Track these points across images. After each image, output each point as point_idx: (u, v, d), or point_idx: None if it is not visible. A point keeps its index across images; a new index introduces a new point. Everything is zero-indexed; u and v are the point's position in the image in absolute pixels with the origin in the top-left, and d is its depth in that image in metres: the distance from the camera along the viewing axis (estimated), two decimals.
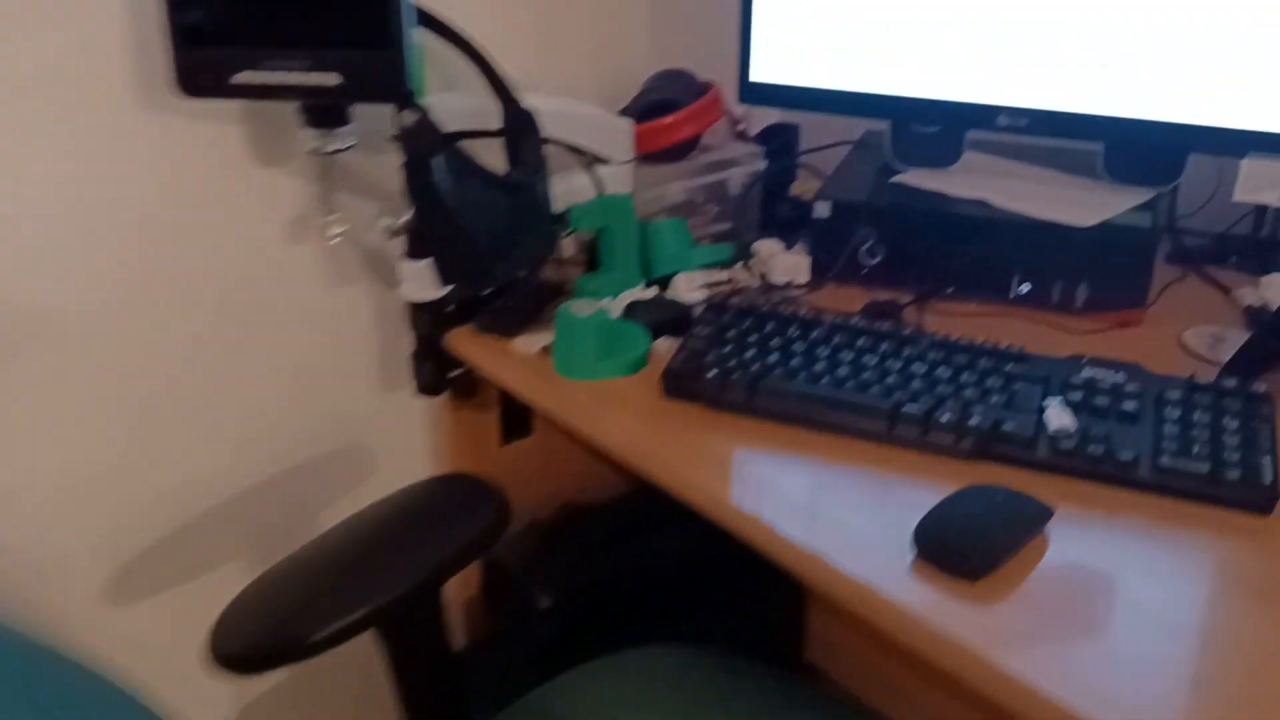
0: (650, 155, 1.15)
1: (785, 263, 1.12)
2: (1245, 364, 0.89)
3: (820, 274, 1.12)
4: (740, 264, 1.13)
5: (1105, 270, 1.03)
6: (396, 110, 0.81)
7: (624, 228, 1.06)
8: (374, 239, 1.03)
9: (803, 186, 1.30)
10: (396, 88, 0.79)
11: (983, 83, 1.05)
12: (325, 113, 0.84)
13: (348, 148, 0.88)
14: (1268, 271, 1.10)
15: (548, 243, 0.96)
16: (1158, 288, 1.09)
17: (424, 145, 0.81)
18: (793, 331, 0.94)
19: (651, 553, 1.16)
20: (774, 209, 1.24)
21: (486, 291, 0.97)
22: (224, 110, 0.92)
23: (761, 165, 1.21)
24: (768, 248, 1.13)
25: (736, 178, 1.20)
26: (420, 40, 0.92)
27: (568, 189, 1.05)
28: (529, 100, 0.98)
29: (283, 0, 0.79)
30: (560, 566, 1.12)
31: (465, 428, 1.14)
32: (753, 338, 0.94)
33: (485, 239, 0.85)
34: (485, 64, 0.95)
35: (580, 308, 0.94)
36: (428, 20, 0.91)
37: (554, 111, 1.03)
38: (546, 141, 1.01)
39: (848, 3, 1.07)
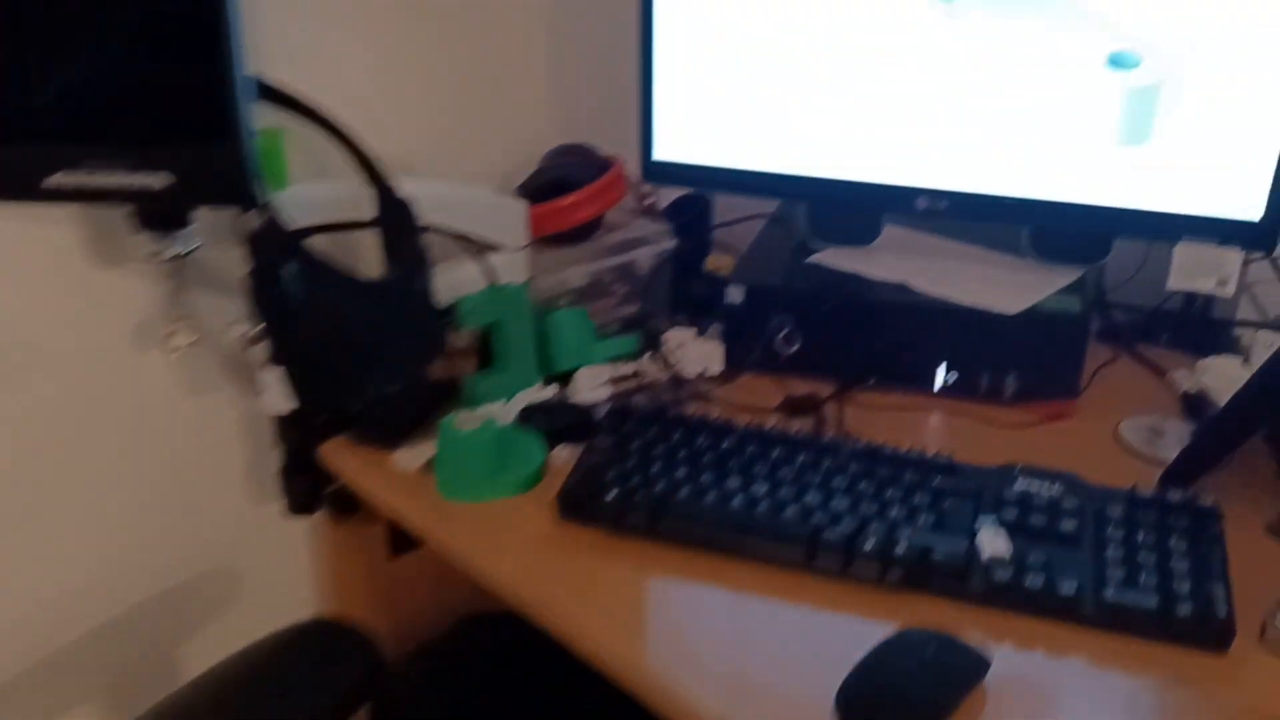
0: (549, 238, 1.06)
1: (696, 352, 1.04)
2: (1187, 467, 0.82)
3: (734, 364, 1.04)
4: (649, 354, 1.04)
5: (1035, 359, 0.96)
6: (240, 212, 0.71)
7: (518, 321, 0.96)
8: (230, 345, 0.92)
9: (717, 261, 1.23)
10: (237, 188, 0.69)
11: (900, 164, 0.98)
12: (160, 215, 0.74)
13: (190, 251, 0.77)
14: (1201, 349, 1.05)
15: (429, 348, 0.86)
16: (1089, 371, 1.03)
17: (272, 251, 0.70)
18: (702, 441, 0.85)
19: (558, 673, 1.05)
20: (686, 288, 1.15)
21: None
22: (50, 210, 0.80)
23: (671, 244, 1.13)
24: (677, 337, 1.05)
25: (644, 257, 1.12)
26: (282, 123, 0.82)
27: (455, 280, 0.95)
28: (407, 186, 0.88)
29: (104, 91, 0.68)
30: (456, 698, 1.01)
31: (348, 542, 1.03)
32: (658, 449, 0.85)
33: (349, 355, 0.75)
34: (354, 147, 0.85)
35: (464, 421, 0.84)
36: (286, 100, 0.81)
37: (437, 196, 0.93)
38: (428, 230, 0.91)
39: (755, 80, 1.00)
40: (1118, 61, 0.85)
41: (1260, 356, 0.97)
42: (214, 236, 0.84)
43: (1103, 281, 1.14)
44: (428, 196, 0.91)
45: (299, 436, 0.90)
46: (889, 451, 0.83)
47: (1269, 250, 0.87)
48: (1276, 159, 0.85)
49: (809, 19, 0.96)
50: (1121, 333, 1.11)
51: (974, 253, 1.07)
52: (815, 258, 1.07)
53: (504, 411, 0.93)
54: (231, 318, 0.82)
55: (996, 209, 0.96)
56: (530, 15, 1.11)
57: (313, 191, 0.87)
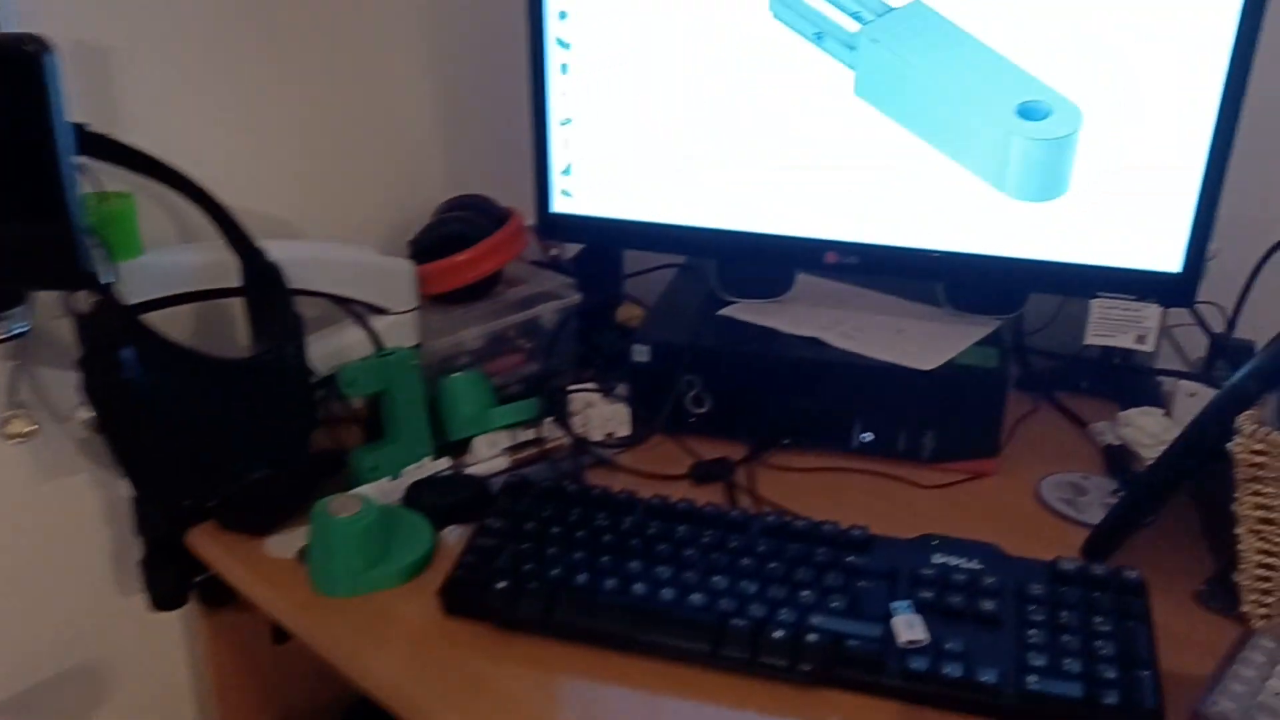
0: (445, 296, 1.00)
1: (602, 414, 0.98)
2: (1110, 534, 0.78)
3: (642, 426, 0.98)
4: (552, 418, 0.98)
5: (953, 416, 0.92)
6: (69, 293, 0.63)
7: (407, 389, 0.90)
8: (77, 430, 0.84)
9: (628, 312, 1.17)
10: (65, 269, 0.61)
11: (808, 216, 0.94)
12: None
13: (14, 335, 0.69)
14: (1123, 397, 1.02)
15: (301, 426, 0.79)
16: (1010, 423, 1.00)
17: (107, 336, 0.63)
18: (601, 519, 0.79)
19: None
20: (593, 344, 1.10)
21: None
22: None
23: (576, 298, 1.07)
24: (582, 399, 0.99)
25: (548, 313, 1.06)
26: (136, 185, 0.75)
27: (336, 347, 0.88)
28: (278, 250, 0.81)
29: None
30: None
31: (226, 632, 0.95)
32: (556, 529, 0.79)
33: (203, 443, 0.68)
34: (216, 208, 0.78)
35: (340, 505, 0.77)
36: (138, 159, 0.74)
37: (313, 260, 0.87)
38: (307, 295, 0.85)
39: (657, 130, 0.95)
40: (1027, 112, 0.81)
41: (1182, 407, 0.94)
42: (62, 305, 0.76)
43: (1022, 327, 1.11)
44: (304, 260, 0.85)
45: (161, 524, 0.82)
46: (800, 525, 0.78)
47: (1188, 304, 0.84)
48: (1193, 208, 0.82)
49: (710, 67, 0.91)
50: (1041, 381, 1.08)
51: (889, 303, 1.03)
52: (726, 311, 1.03)
53: (391, 488, 0.86)
54: (78, 400, 0.74)
55: (908, 263, 0.92)
56: (418, 62, 1.05)
57: (171, 259, 0.80)
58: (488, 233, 1.01)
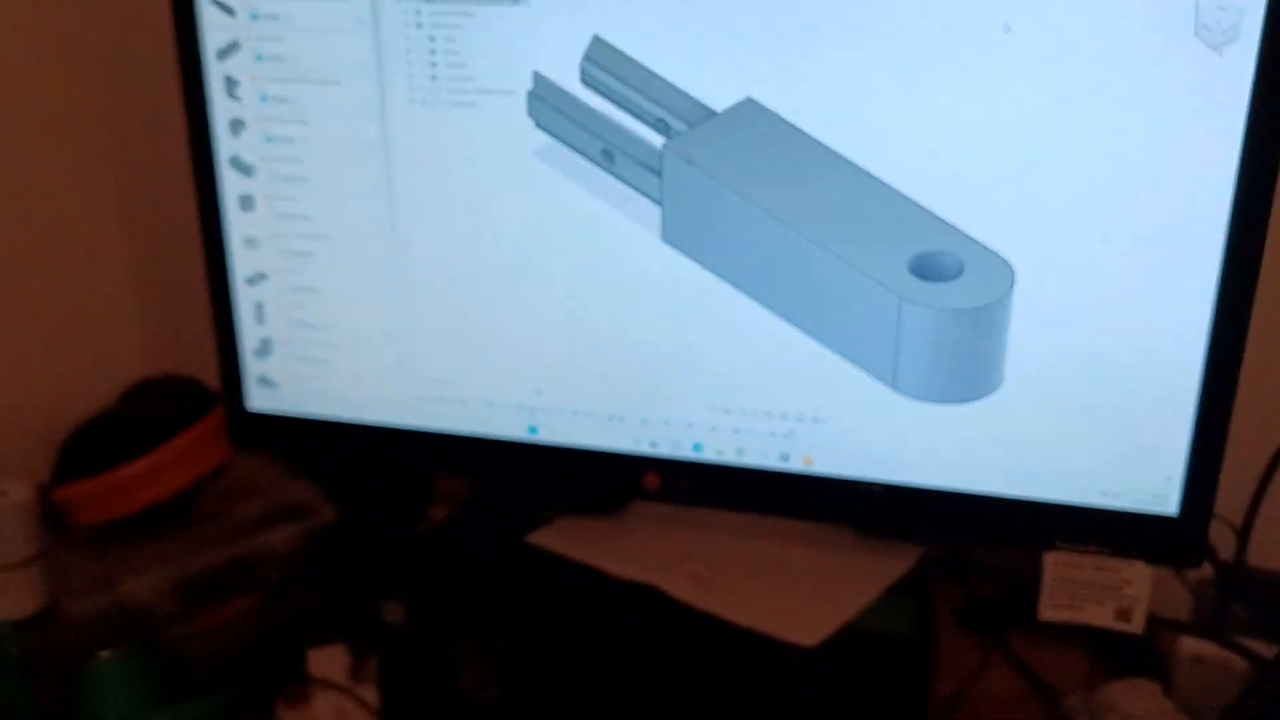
0: (112, 525, 0.70)
1: (337, 706, 0.66)
2: None
3: (400, 714, 0.67)
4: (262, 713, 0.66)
5: (853, 709, 0.62)
6: None
7: (7, 689, 0.58)
8: None
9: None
10: None
11: (622, 424, 0.64)
12: None
13: None
14: (1103, 649, 0.71)
15: None
16: (944, 695, 0.69)
17: None
18: None
19: None
20: (355, 583, 0.78)
21: None
22: None
23: (328, 514, 0.77)
24: (322, 675, 0.68)
25: (286, 539, 0.75)
26: None
27: None
28: None
29: None
30: None
31: None
32: None
33: None
34: None
35: None
36: None
37: None
38: None
39: (381, 288, 0.66)
40: (926, 269, 0.53)
41: (1187, 679, 0.65)
42: None
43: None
44: None
45: None
46: None
47: (1195, 562, 0.55)
48: (1192, 414, 0.53)
49: (451, 194, 0.63)
50: (994, 616, 0.78)
51: (767, 523, 0.73)
52: (537, 536, 0.73)
53: None
54: None
55: (761, 491, 0.63)
56: (100, 206, 0.78)
57: None
58: (179, 427, 0.72)
